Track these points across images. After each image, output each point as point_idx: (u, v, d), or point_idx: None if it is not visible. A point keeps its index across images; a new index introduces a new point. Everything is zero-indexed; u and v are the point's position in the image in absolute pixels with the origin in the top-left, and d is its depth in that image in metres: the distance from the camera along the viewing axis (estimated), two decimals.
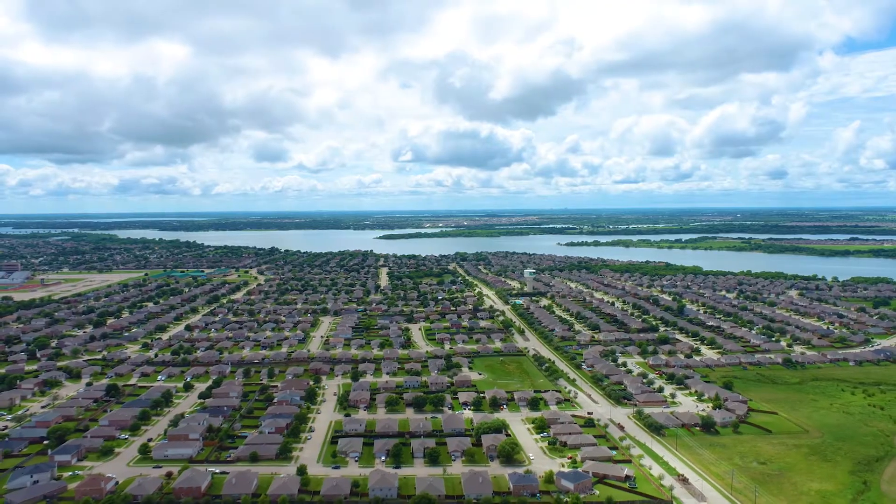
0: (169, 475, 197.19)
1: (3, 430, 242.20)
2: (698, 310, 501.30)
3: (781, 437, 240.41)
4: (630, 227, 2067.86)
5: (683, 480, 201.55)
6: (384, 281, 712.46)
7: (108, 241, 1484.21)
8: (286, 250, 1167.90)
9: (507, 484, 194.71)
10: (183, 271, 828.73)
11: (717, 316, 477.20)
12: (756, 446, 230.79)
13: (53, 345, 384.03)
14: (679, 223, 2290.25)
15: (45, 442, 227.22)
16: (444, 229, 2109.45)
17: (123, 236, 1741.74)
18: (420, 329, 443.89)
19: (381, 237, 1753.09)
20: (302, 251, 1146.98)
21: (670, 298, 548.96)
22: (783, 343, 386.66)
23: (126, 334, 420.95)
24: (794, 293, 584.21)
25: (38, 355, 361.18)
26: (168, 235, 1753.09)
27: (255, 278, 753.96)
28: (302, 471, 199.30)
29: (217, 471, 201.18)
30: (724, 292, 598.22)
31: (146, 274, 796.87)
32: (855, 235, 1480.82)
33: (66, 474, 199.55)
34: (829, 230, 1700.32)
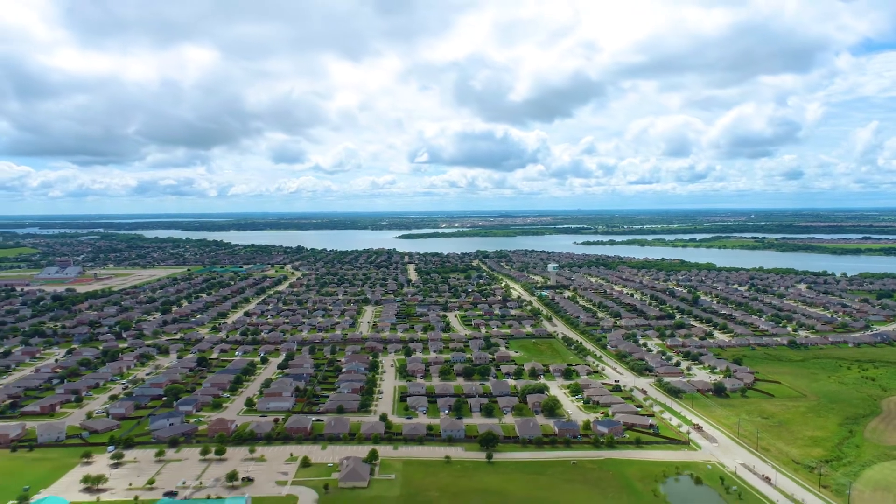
0: (276, 421, 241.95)
1: (126, 389, 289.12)
2: (711, 300, 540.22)
3: (783, 400, 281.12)
4: (644, 227, 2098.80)
5: (698, 428, 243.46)
6: (413, 276, 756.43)
7: (138, 241, 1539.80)
8: (312, 249, 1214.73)
9: (552, 429, 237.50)
10: (223, 267, 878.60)
11: (730, 306, 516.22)
12: (760, 406, 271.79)
13: (134, 328, 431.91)
14: (693, 223, 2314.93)
15: (164, 398, 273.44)
16: (460, 229, 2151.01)
17: (150, 236, 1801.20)
18: (456, 316, 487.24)
19: (400, 236, 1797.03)
20: (328, 249, 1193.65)
21: (685, 291, 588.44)
22: (789, 328, 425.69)
23: (193, 320, 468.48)
24: (802, 286, 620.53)
25: (124, 335, 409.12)
26: (192, 235, 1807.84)
27: (292, 273, 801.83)
28: (384, 418, 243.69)
29: (314, 418, 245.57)
30: (736, 285, 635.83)
31: (188, 270, 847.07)
32: (868, 235, 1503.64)
33: (192, 420, 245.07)
34: (843, 230, 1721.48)
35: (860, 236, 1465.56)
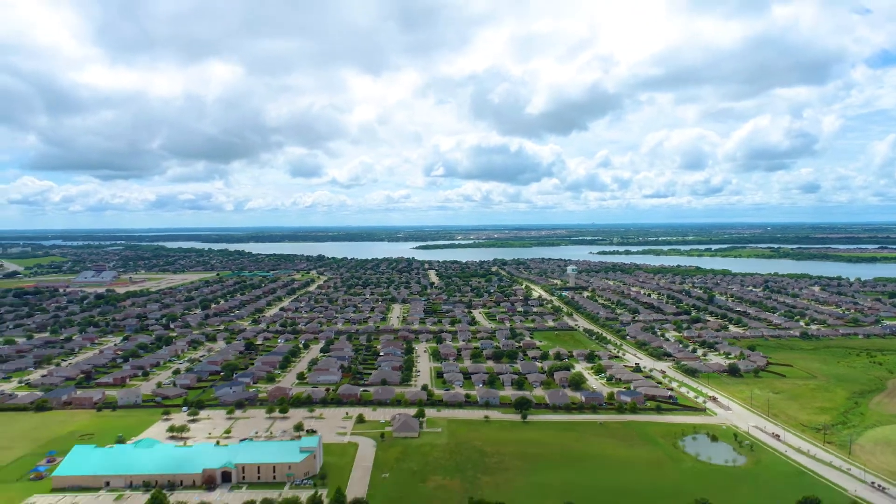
0: (327, 390, 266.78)
1: (186, 367, 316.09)
2: (726, 300, 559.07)
3: (793, 380, 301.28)
4: (659, 238, 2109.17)
5: (713, 399, 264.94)
6: (435, 280, 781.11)
7: (162, 251, 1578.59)
8: (333, 257, 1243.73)
9: (579, 399, 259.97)
10: (251, 272, 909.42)
11: (744, 304, 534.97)
12: (772, 384, 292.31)
13: (179, 320, 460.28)
14: (708, 236, 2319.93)
15: (222, 374, 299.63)
16: (476, 241, 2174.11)
17: (171, 247, 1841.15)
18: (480, 313, 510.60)
19: (417, 247, 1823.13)
20: (348, 258, 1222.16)
21: (701, 291, 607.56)
22: (801, 323, 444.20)
23: (232, 314, 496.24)
24: (816, 288, 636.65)
25: (172, 326, 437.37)
26: (212, 247, 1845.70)
27: (318, 277, 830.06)
28: (425, 387, 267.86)
29: (361, 389, 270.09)
30: (751, 287, 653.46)
31: (217, 274, 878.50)
32: (885, 245, 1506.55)
33: (250, 390, 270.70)
34: (860, 241, 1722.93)
35: (877, 246, 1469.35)
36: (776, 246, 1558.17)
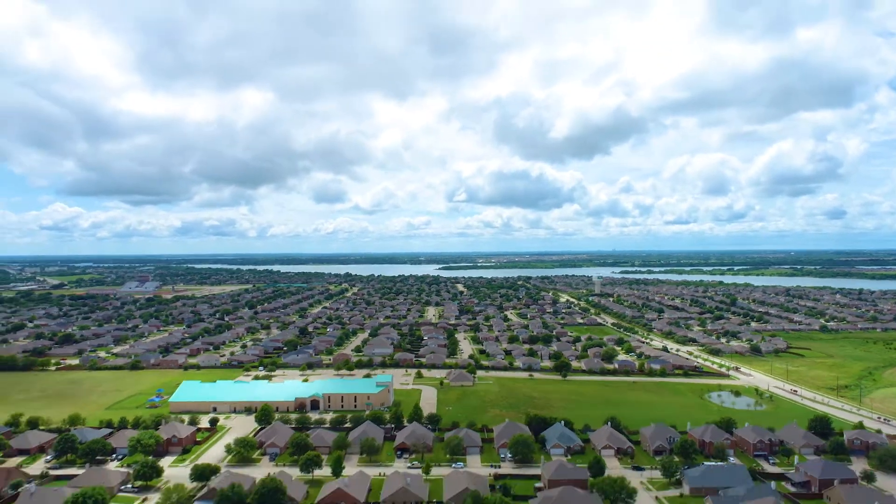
0: (383, 359, 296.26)
1: (253, 343, 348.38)
2: (749, 304, 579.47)
3: (812, 359, 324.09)
4: (681, 261, 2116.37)
5: (736, 369, 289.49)
6: (463, 290, 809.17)
7: (192, 271, 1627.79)
8: (359, 275, 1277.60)
9: (612, 367, 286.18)
10: (286, 283, 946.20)
11: (766, 306, 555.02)
12: (791, 361, 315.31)
13: (232, 314, 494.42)
14: (731, 259, 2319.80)
15: (284, 348, 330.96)
16: (497, 263, 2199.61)
17: (200, 267, 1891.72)
18: (511, 313, 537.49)
19: (440, 268, 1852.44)
20: (375, 275, 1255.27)
21: (724, 297, 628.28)
22: (821, 320, 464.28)
23: (279, 312, 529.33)
24: (837, 296, 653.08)
25: (226, 319, 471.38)
26: (240, 268, 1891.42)
27: (350, 287, 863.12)
28: (473, 356, 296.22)
29: (413, 357, 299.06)
30: (773, 294, 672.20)
31: (254, 285, 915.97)
32: None
33: (316, 357, 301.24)
34: (884, 262, 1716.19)
35: None
36: (799, 266, 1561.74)
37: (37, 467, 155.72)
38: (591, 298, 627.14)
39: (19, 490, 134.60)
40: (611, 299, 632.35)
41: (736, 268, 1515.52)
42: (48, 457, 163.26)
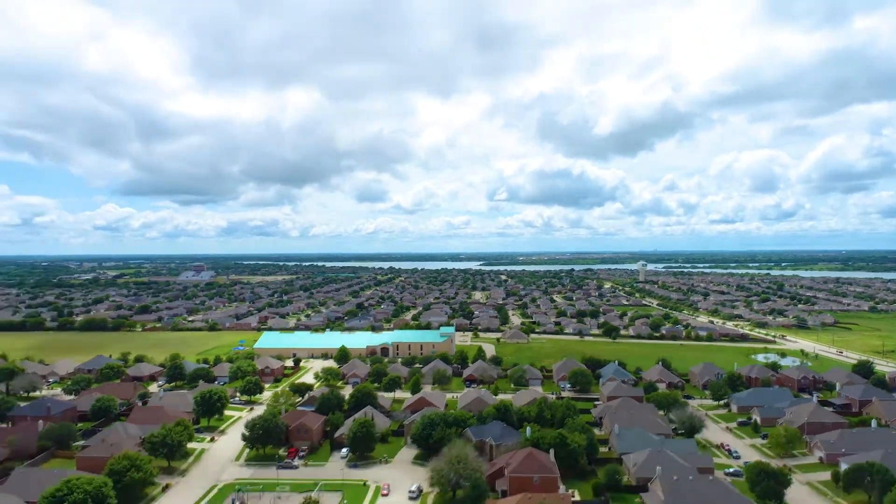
0: (439, 324, 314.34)
1: (318, 314, 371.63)
2: (797, 289, 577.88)
3: (859, 332, 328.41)
4: (726, 258, 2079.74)
5: (782, 336, 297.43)
6: (508, 280, 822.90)
7: (240, 266, 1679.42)
8: (401, 268, 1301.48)
9: (660, 333, 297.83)
10: (334, 274, 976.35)
11: (814, 291, 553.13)
12: (837, 333, 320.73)
13: (289, 294, 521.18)
14: (778, 258, 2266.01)
15: (345, 318, 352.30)
16: (538, 261, 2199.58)
17: (247, 263, 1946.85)
18: (557, 297, 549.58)
19: (481, 265, 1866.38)
20: (418, 269, 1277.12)
21: (770, 283, 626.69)
22: (871, 303, 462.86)
23: (332, 293, 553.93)
24: (889, 285, 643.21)
25: (284, 297, 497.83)
26: (286, 264, 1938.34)
27: (397, 276, 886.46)
28: (523, 324, 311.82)
29: (468, 322, 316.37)
30: (822, 281, 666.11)
31: (304, 275, 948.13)
32: None
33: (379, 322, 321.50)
34: None
35: None
36: (850, 262, 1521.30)
37: (152, 391, 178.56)
38: (635, 284, 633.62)
39: (147, 398, 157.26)
40: (656, 285, 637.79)
41: (783, 263, 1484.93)
42: (160, 382, 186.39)
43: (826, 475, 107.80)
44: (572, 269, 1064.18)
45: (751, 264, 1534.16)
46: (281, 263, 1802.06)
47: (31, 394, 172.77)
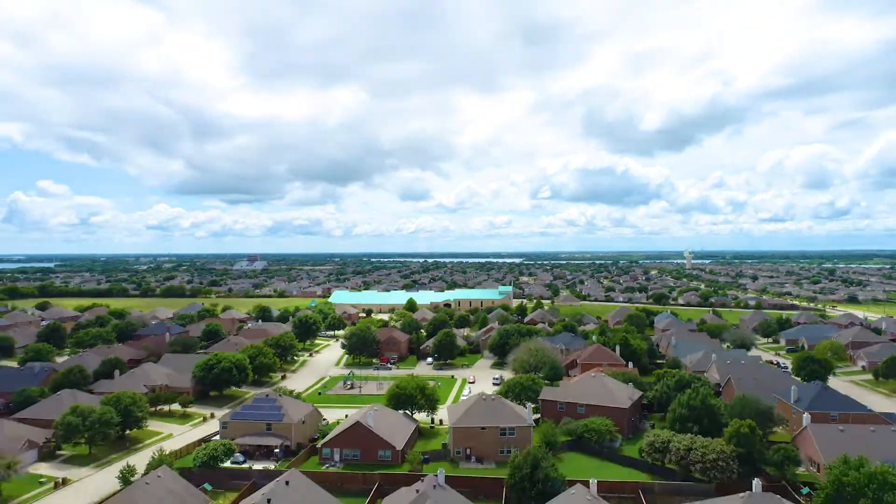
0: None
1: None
2: (849, 275, 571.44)
3: None
4: (775, 256, 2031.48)
5: (833, 307, 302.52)
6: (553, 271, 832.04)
7: (287, 261, 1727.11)
8: (445, 263, 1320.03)
9: (712, 302, 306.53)
10: (381, 265, 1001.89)
11: (867, 276, 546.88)
12: (889, 307, 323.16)
13: (344, 277, 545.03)
14: (831, 257, 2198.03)
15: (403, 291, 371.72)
16: (582, 259, 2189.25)
17: (292, 260, 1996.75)
18: (605, 281, 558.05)
19: (524, 261, 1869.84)
20: (463, 262, 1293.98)
21: (820, 270, 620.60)
22: None
23: (383, 278, 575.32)
24: None
25: (341, 277, 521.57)
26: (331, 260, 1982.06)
27: (445, 266, 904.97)
28: (576, 294, 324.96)
29: (522, 293, 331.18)
30: (875, 271, 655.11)
31: (353, 265, 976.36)
32: None
33: None
34: None
35: None
36: None
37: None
38: (682, 271, 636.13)
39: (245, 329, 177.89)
40: (703, 272, 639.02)
41: (835, 260, 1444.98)
42: (249, 325, 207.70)
43: (868, 376, 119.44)
44: (617, 262, 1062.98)
45: (801, 260, 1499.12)
46: (326, 259, 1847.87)
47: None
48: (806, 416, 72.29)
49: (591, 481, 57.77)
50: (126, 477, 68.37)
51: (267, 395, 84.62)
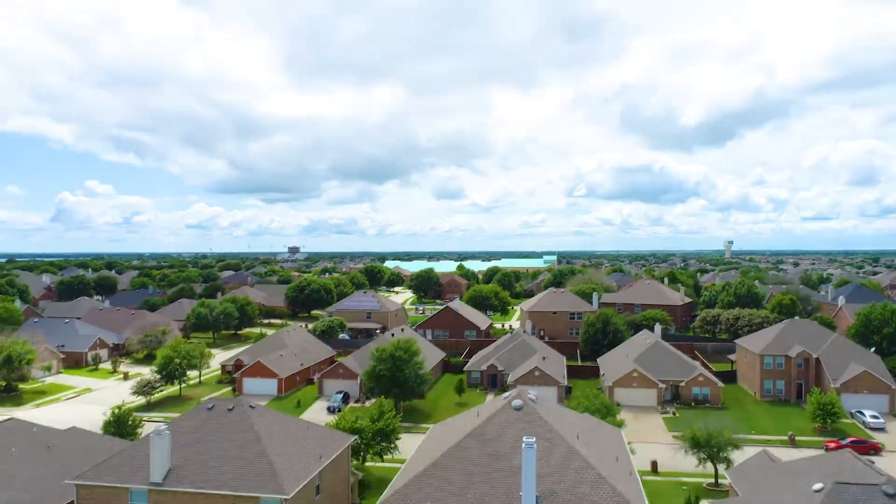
0: None
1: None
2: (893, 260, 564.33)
3: None
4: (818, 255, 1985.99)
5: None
6: None
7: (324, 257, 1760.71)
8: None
9: None
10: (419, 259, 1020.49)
11: None
12: None
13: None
14: (877, 256, 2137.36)
15: None
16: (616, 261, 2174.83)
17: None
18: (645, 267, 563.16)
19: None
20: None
21: (864, 257, 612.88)
22: None
23: None
24: None
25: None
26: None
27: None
28: None
29: None
30: None
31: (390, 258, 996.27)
32: None
33: None
34: None
35: None
36: None
37: None
38: (721, 259, 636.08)
39: None
40: (744, 260, 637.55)
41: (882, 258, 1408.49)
42: None
43: None
44: (654, 255, 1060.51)
45: (845, 260, 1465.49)
46: (361, 256, 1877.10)
47: None
48: (841, 299, 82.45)
49: (656, 326, 69.52)
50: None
51: (364, 292, 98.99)
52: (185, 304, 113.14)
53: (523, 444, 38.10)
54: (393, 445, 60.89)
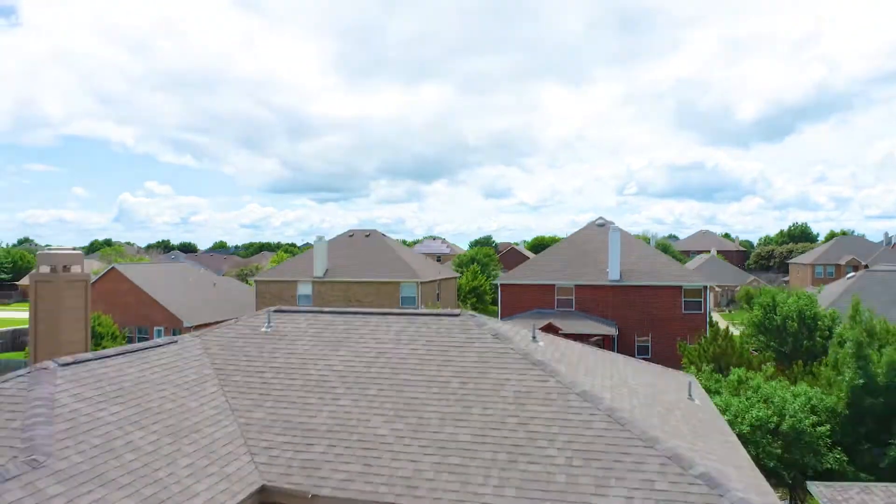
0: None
1: None
2: None
3: None
4: None
5: None
6: None
7: None
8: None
9: None
10: None
11: None
12: None
13: None
14: None
15: None
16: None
17: None
18: None
19: None
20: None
21: None
22: None
23: None
24: None
25: None
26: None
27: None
28: None
29: None
30: None
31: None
32: None
33: None
34: None
35: None
36: None
37: None
38: None
39: None
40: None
41: None
42: None
43: None
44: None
45: None
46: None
47: None
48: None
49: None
50: None
51: (434, 238, 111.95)
52: None
53: (609, 230, 49.57)
54: None
